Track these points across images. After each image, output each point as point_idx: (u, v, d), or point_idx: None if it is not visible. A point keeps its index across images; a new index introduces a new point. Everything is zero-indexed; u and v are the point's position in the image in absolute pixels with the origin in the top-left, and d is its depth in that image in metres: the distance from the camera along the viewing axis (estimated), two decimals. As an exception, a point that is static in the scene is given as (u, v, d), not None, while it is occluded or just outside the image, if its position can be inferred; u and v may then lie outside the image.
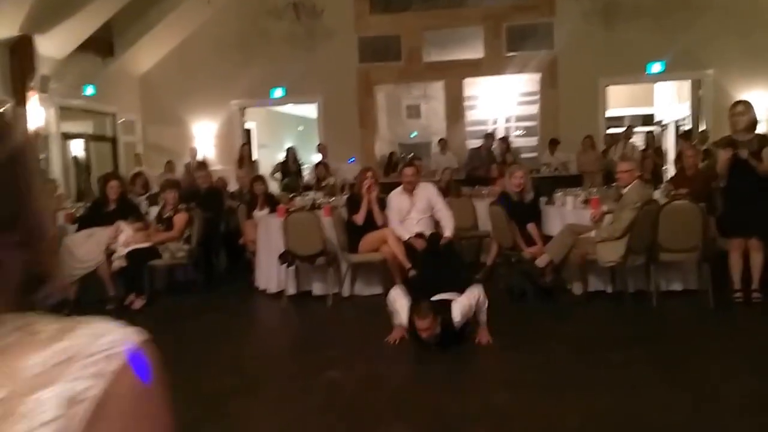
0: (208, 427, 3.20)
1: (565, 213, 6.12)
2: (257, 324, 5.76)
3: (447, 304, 4.22)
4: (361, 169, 6.52)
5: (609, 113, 11.70)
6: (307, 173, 10.61)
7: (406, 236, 5.87)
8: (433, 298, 4.25)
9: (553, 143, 10.65)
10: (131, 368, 0.60)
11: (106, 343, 0.60)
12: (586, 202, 6.09)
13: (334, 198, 7.14)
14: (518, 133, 14.16)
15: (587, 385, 3.63)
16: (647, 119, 14.66)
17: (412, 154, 12.15)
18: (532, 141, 12.65)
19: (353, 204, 6.13)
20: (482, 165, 10.10)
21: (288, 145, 12.04)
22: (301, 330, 5.46)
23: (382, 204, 6.17)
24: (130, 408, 0.60)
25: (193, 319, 5.57)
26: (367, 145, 11.80)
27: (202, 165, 8.36)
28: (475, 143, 11.48)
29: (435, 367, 4.08)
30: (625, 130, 10.76)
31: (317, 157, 10.72)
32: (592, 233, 5.44)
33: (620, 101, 13.18)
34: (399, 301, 4.41)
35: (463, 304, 4.24)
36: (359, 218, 5.95)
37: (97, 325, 0.62)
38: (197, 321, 5.52)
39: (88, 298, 5.84)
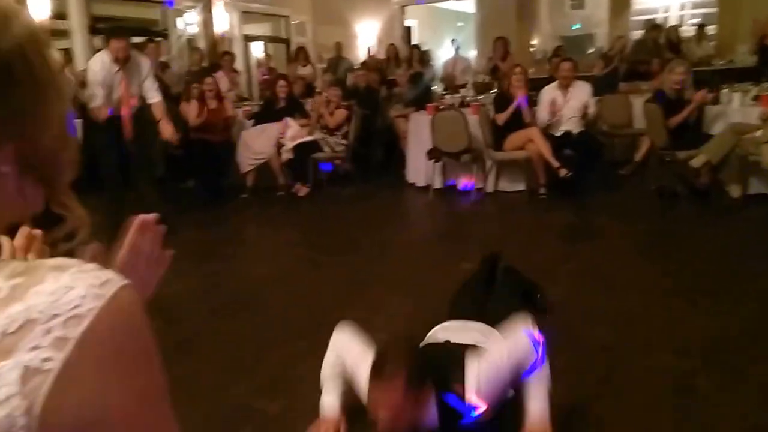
0: (351, 306, 3.41)
1: (730, 112, 5.38)
2: (404, 214, 5.91)
3: (456, 359, 1.94)
4: (506, 66, 6.18)
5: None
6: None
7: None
8: (449, 338, 2.17)
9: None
10: (102, 327, 0.48)
11: (71, 301, 0.48)
12: (756, 98, 5.27)
13: (483, 96, 6.87)
14: (694, 21, 12.38)
15: (730, 293, 3.31)
16: None
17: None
18: (710, 30, 11.00)
19: (500, 102, 5.87)
20: (646, 58, 9.06)
21: (448, 41, 11.59)
22: (443, 222, 5.53)
23: (533, 101, 5.86)
24: (100, 374, 0.48)
25: (350, 206, 5.87)
26: (523, 40, 11.05)
27: (363, 65, 8.41)
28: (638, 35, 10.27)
29: (562, 264, 3.94)
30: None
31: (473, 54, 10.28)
32: (758, 133, 4.74)
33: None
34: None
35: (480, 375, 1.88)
36: (501, 118, 5.70)
37: (63, 277, 0.49)
38: (353, 208, 5.81)
39: (263, 185, 6.35)
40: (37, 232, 0.78)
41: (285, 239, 5.01)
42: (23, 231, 0.78)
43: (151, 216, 0.83)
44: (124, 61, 4.70)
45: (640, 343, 2.82)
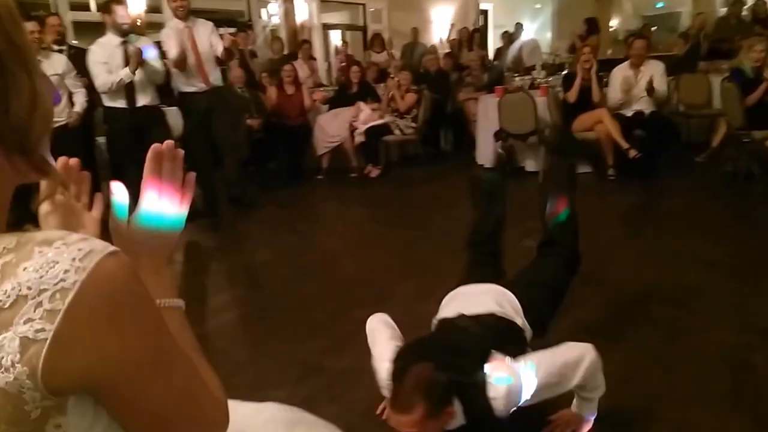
0: (413, 276, 3.61)
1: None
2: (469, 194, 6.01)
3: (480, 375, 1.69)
4: (580, 45, 6.12)
5: None
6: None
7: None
8: (461, 311, 2.00)
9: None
10: (88, 296, 0.52)
11: (56, 275, 0.52)
12: None
13: (553, 77, 6.84)
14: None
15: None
16: None
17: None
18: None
19: (569, 81, 5.84)
20: (729, 36, 8.62)
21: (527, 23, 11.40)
22: (509, 202, 5.59)
23: (604, 82, 5.80)
24: (93, 338, 0.53)
25: (419, 187, 6.06)
26: (603, 20, 10.75)
27: (432, 49, 8.51)
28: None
29: (628, 243, 3.96)
30: None
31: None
32: None
33: None
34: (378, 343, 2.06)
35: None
36: (571, 96, 5.68)
37: (48, 252, 0.53)
38: (421, 188, 6.00)
39: (337, 167, 6.64)
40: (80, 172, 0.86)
41: (356, 216, 5.27)
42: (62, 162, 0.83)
43: (166, 143, 0.77)
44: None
45: (699, 319, 2.84)
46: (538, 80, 6.90)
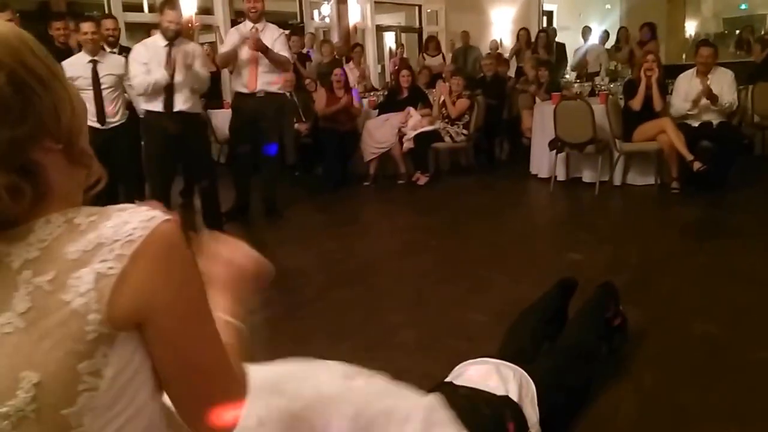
0: (452, 285, 3.74)
1: None
2: (521, 205, 6.04)
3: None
4: (640, 51, 6.11)
5: None
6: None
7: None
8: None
9: None
10: (148, 247, 0.74)
11: (127, 231, 0.74)
12: None
13: (613, 84, 6.84)
14: None
15: None
16: None
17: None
18: None
19: (631, 89, 5.85)
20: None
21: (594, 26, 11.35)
22: (561, 213, 5.65)
23: (666, 90, 5.79)
24: (149, 279, 0.74)
25: (467, 196, 6.18)
26: (675, 23, 10.59)
27: (490, 54, 8.61)
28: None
29: (684, 258, 3.96)
30: None
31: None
32: None
33: None
34: None
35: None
36: (635, 103, 5.69)
37: (123, 215, 0.75)
38: (470, 197, 6.12)
39: (385, 174, 6.84)
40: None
41: (400, 223, 5.44)
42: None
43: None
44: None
45: (745, 337, 2.85)
46: (601, 87, 6.92)
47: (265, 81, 5.17)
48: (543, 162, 6.44)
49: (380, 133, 6.73)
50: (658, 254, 4.09)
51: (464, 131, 6.76)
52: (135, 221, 0.74)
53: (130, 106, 5.03)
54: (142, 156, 5.05)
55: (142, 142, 4.99)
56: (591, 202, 5.73)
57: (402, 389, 1.47)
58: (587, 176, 6.16)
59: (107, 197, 0.82)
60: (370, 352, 2.96)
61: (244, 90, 5.20)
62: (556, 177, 6.15)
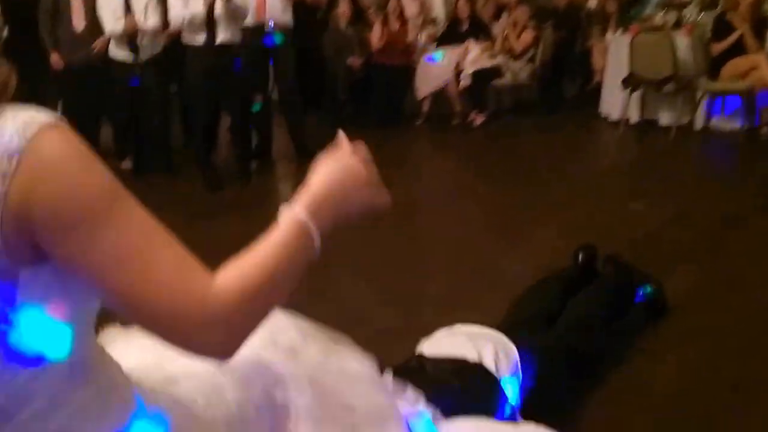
0: (494, 235, 3.49)
1: None
2: (584, 149, 5.65)
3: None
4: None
5: None
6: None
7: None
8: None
9: None
10: (33, 156, 0.63)
11: (3, 143, 0.63)
12: None
13: (704, 13, 6.14)
14: None
15: None
16: None
17: None
18: None
19: (719, 27, 5.25)
20: None
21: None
22: (627, 160, 5.22)
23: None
24: (42, 194, 0.64)
25: (527, 138, 5.83)
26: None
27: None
28: None
29: (763, 217, 3.53)
30: None
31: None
32: None
33: None
34: None
35: None
36: (717, 49, 5.13)
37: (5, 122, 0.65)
38: (530, 140, 5.77)
39: (439, 112, 6.50)
40: None
41: (448, 166, 5.19)
42: None
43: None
44: None
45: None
46: (689, 17, 6.25)
47: (275, 17, 4.97)
48: (615, 102, 5.94)
49: (436, 69, 6.38)
50: (732, 210, 3.67)
51: (528, 66, 6.31)
52: (7, 130, 0.64)
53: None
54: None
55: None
56: (665, 147, 5.25)
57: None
58: (664, 119, 5.66)
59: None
60: (394, 303, 2.80)
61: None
62: (627, 119, 5.67)
